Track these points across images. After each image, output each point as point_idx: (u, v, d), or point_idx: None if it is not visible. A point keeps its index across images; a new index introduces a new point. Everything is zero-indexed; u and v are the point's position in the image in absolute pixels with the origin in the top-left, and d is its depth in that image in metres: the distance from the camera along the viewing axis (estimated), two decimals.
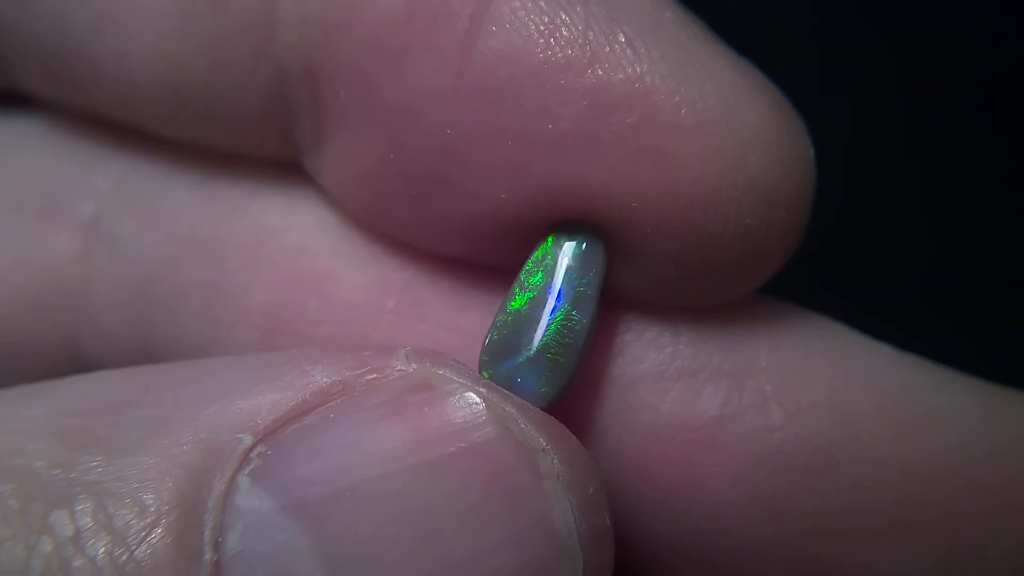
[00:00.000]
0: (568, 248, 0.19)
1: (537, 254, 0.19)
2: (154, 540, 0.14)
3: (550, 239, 0.19)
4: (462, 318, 0.20)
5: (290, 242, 0.21)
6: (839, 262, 0.31)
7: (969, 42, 0.30)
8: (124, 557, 0.14)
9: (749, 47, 0.18)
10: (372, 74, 0.18)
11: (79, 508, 0.15)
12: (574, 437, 0.17)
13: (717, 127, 0.16)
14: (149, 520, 0.15)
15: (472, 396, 0.16)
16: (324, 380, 0.16)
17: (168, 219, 0.22)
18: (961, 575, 0.18)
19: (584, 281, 0.18)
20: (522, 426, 0.16)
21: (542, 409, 0.17)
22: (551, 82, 0.17)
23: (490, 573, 0.15)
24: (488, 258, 0.20)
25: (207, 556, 0.15)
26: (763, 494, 0.18)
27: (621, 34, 0.17)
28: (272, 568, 0.15)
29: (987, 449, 0.18)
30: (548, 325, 0.18)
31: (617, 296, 0.19)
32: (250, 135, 0.21)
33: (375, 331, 0.20)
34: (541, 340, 0.18)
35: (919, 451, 0.18)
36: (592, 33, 0.17)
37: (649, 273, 0.19)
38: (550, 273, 0.19)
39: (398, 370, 0.16)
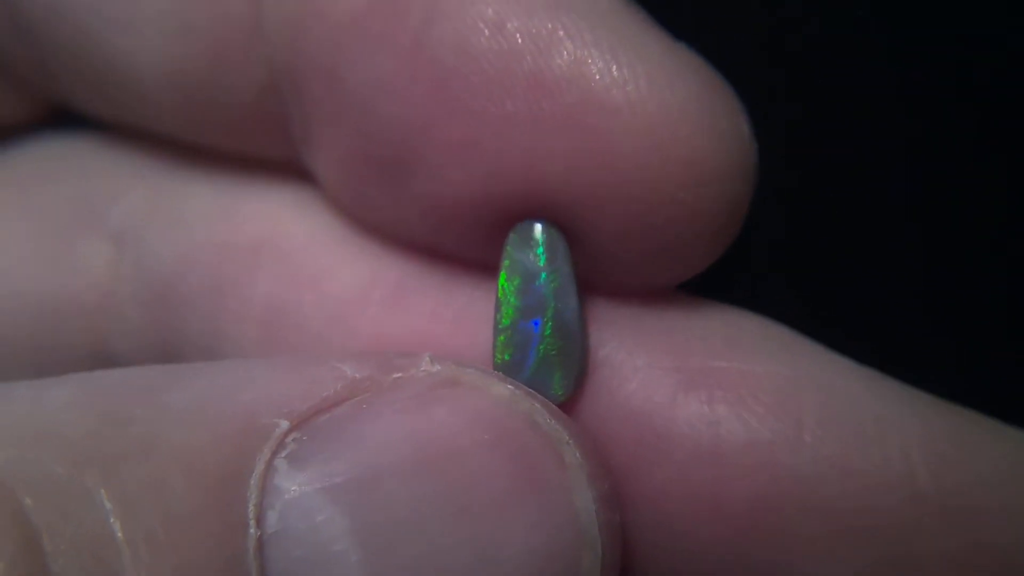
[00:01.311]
0: (527, 243, 0.19)
1: (505, 262, 0.20)
2: (201, 510, 0.15)
3: (509, 244, 0.20)
4: (444, 309, 0.21)
5: (293, 242, 0.23)
6: (824, 270, 0.31)
7: (966, 41, 0.31)
8: (172, 524, 0.15)
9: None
10: (337, 66, 0.20)
11: (126, 475, 0.15)
12: (592, 437, 0.18)
13: (647, 105, 0.18)
14: (196, 491, 0.15)
15: (499, 389, 0.17)
16: (354, 375, 0.17)
17: (188, 226, 0.24)
18: None
19: (555, 272, 0.19)
20: (548, 419, 0.17)
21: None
22: (495, 67, 0.18)
23: (518, 553, 0.16)
24: (466, 250, 0.21)
25: (251, 530, 0.15)
26: (704, 485, 0.19)
27: (560, 22, 0.18)
28: (311, 546, 0.16)
29: (929, 459, 0.18)
30: (541, 330, 0.19)
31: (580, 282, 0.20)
32: (250, 132, 0.23)
33: (362, 322, 0.21)
34: (540, 348, 0.19)
35: (860, 455, 0.18)
36: (534, 22, 0.18)
37: (601, 252, 0.19)
38: (519, 274, 0.19)
39: (423, 371, 0.17)
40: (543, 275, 0.19)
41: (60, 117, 0.26)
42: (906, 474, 0.18)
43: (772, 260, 0.31)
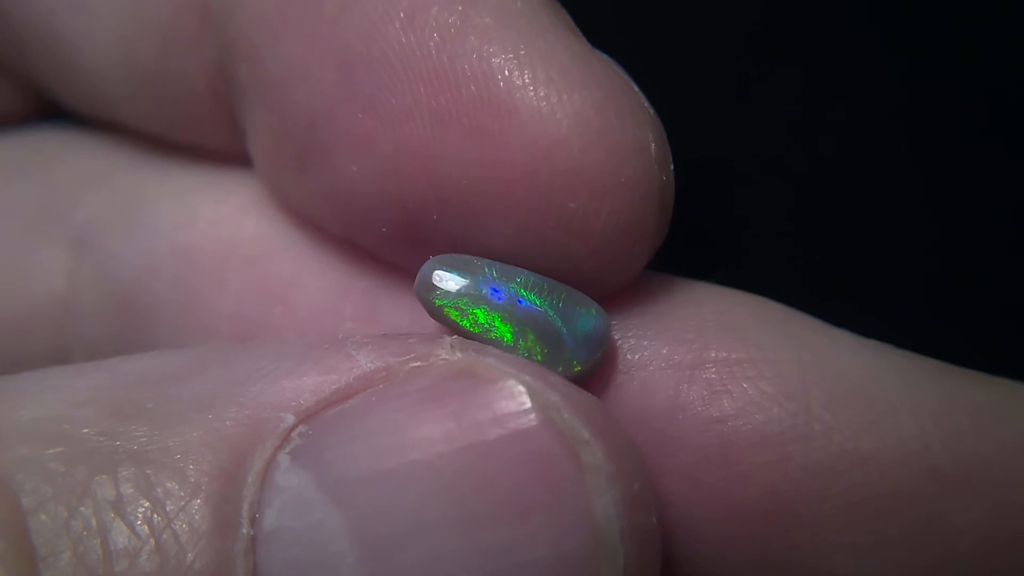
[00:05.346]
0: (445, 287, 0.18)
1: (451, 315, 0.18)
2: (193, 511, 0.14)
3: (442, 306, 0.18)
4: (415, 323, 0.20)
5: (259, 251, 0.22)
6: (835, 281, 0.31)
7: (973, 47, 0.31)
8: (162, 525, 0.14)
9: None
10: (259, 46, 0.19)
11: (122, 474, 0.14)
12: (623, 431, 0.17)
13: (542, 112, 0.17)
14: (189, 491, 0.14)
15: (515, 384, 0.16)
16: (368, 365, 0.16)
17: (151, 231, 0.23)
18: (917, 563, 0.17)
19: (481, 277, 0.18)
20: (565, 416, 0.16)
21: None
22: (400, 60, 0.18)
23: (527, 562, 0.15)
24: (396, 255, 0.20)
25: (244, 530, 0.15)
26: (714, 486, 0.18)
27: (471, 21, 0.17)
28: (307, 546, 0.15)
29: (944, 432, 0.17)
30: (531, 308, 0.18)
31: None
32: (204, 120, 0.22)
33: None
34: (541, 308, 0.18)
35: (872, 437, 0.17)
36: (446, 17, 0.17)
37: (509, 262, 0.19)
38: (478, 295, 0.18)
39: (442, 359, 0.16)
40: (480, 285, 0.18)
41: (51, 112, 0.26)
42: (922, 451, 0.17)
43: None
